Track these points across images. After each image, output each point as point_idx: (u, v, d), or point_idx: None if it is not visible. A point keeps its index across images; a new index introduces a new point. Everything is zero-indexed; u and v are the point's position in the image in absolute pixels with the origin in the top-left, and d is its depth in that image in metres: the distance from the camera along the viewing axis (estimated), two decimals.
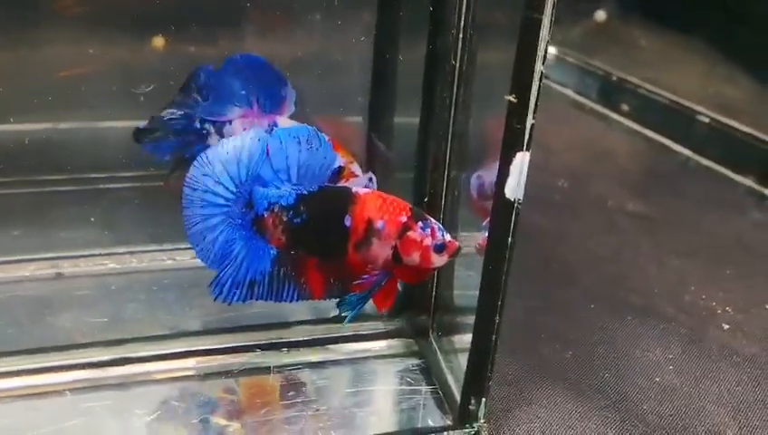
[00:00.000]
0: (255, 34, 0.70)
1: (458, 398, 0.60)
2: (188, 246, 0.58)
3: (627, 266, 0.87)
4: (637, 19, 1.43)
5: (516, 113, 0.49)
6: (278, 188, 0.57)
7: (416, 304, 0.69)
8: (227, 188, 0.56)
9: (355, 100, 0.71)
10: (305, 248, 0.58)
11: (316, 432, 0.58)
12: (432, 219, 0.57)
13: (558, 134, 1.23)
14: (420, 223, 0.57)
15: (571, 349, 0.72)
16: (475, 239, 0.61)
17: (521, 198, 0.51)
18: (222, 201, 0.56)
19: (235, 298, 0.58)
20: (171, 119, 0.63)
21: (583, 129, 1.31)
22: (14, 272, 0.71)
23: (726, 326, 0.78)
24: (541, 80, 0.48)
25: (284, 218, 0.57)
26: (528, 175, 0.51)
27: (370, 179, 0.63)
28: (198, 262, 0.58)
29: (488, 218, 0.55)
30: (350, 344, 0.67)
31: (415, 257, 0.57)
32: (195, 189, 0.56)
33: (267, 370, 0.64)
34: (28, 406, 0.59)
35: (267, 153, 0.56)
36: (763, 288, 0.85)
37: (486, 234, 0.54)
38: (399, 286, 0.71)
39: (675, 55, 1.35)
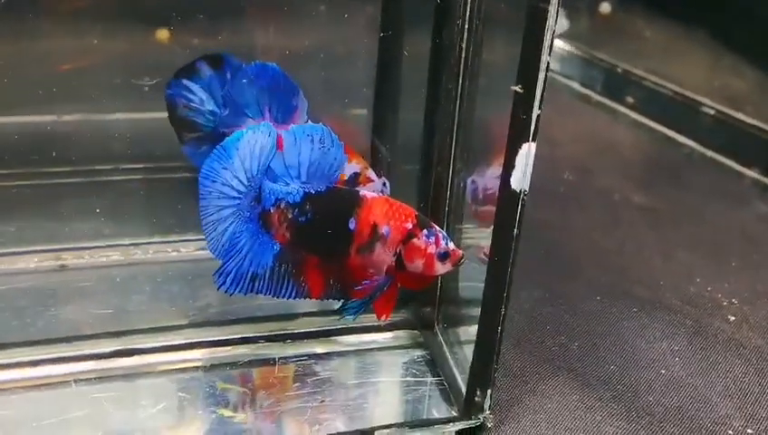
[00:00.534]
0: (260, 26, 0.70)
1: (464, 389, 0.60)
2: (192, 237, 0.59)
3: (632, 258, 0.87)
4: (641, 10, 1.42)
5: (522, 104, 0.49)
6: (287, 184, 0.57)
7: (421, 296, 0.68)
8: (241, 181, 0.56)
9: (360, 92, 0.71)
10: (308, 247, 0.58)
11: (321, 423, 0.58)
12: (437, 227, 0.58)
13: (563, 126, 1.23)
14: (425, 230, 0.57)
15: (576, 341, 0.72)
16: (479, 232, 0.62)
17: (526, 190, 0.51)
18: (235, 193, 0.56)
19: (237, 290, 0.58)
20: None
21: (588, 121, 1.31)
22: (18, 264, 0.71)
23: (732, 318, 0.78)
24: (547, 70, 0.48)
25: (290, 215, 0.57)
26: (533, 167, 0.51)
27: (384, 184, 0.63)
28: (202, 254, 0.58)
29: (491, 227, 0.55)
30: (355, 336, 0.67)
31: (418, 264, 0.57)
32: (214, 181, 0.56)
33: (272, 361, 0.64)
34: (33, 397, 0.59)
35: (279, 147, 0.56)
36: None
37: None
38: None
39: (680, 47, 1.34)
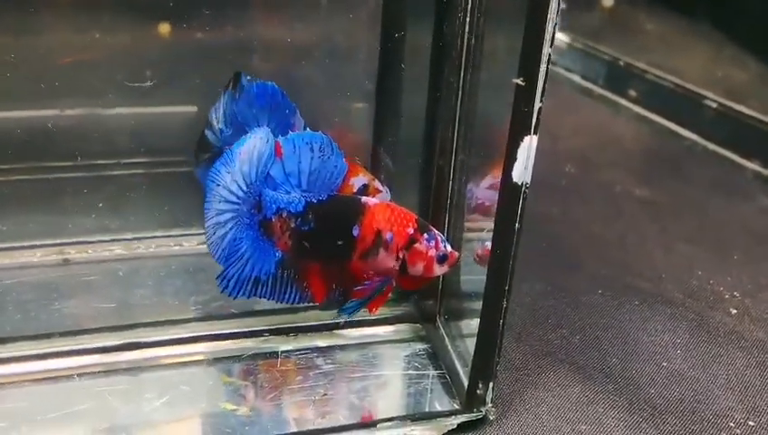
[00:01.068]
0: (261, 20, 0.70)
1: (465, 382, 0.60)
2: (195, 231, 0.59)
3: (634, 252, 0.87)
4: (644, 3, 1.42)
5: (524, 96, 0.49)
6: (288, 192, 0.57)
7: (423, 290, 0.69)
8: (240, 187, 0.57)
9: (362, 85, 0.71)
10: (311, 254, 0.58)
11: (324, 416, 0.58)
12: (435, 230, 0.58)
13: (565, 120, 1.23)
14: (425, 234, 0.58)
15: (577, 334, 0.72)
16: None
17: (528, 182, 0.51)
18: (234, 198, 0.57)
19: (239, 294, 0.59)
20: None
21: (590, 114, 1.31)
22: (22, 258, 0.72)
23: (734, 311, 0.78)
24: (548, 62, 0.48)
25: (292, 225, 0.57)
26: (534, 160, 0.51)
27: (386, 191, 0.64)
28: (205, 248, 0.58)
29: (486, 229, 0.56)
30: (357, 329, 0.67)
31: (419, 268, 0.58)
32: (218, 184, 0.57)
33: (275, 355, 0.64)
34: (37, 391, 0.59)
35: (279, 154, 0.56)
36: None
37: (487, 244, 0.55)
38: None
39: (682, 40, 1.34)
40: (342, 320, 0.64)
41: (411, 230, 0.58)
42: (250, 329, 0.66)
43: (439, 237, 0.58)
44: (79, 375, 0.61)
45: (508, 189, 0.51)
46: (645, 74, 1.31)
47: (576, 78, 1.43)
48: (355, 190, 0.63)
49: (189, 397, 0.60)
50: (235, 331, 0.65)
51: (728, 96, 1.19)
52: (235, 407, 0.59)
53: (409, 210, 0.59)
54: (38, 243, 0.72)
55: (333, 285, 0.60)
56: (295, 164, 0.57)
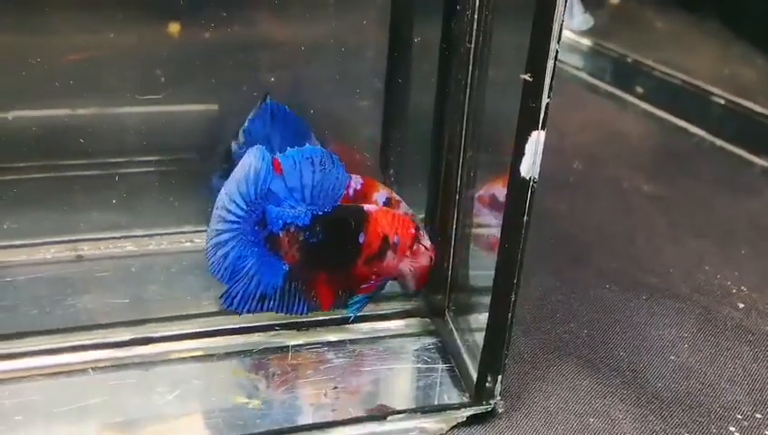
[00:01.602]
0: (270, 18, 0.71)
1: (475, 376, 0.60)
2: (206, 228, 0.60)
3: (641, 246, 0.88)
4: (651, 0, 1.42)
5: (532, 92, 0.49)
6: (293, 207, 0.58)
7: (432, 284, 0.69)
8: (239, 206, 0.58)
9: (372, 83, 0.71)
10: (318, 264, 0.59)
11: (334, 410, 0.59)
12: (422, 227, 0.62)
13: (572, 117, 1.23)
14: (423, 232, 0.62)
15: (586, 328, 0.73)
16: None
17: (536, 177, 0.52)
18: (233, 218, 0.58)
19: (245, 309, 0.60)
20: None
21: (598, 111, 1.31)
22: (36, 255, 0.72)
23: (741, 305, 0.78)
24: (556, 58, 0.48)
25: (300, 238, 0.58)
26: (542, 157, 0.51)
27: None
28: None
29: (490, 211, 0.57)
30: (367, 324, 0.68)
31: (426, 264, 0.62)
32: (217, 207, 0.59)
33: (286, 349, 0.65)
34: (52, 385, 0.60)
35: (278, 170, 0.57)
36: None
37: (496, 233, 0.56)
38: None
39: (689, 36, 1.34)
40: (352, 317, 0.65)
41: (413, 230, 0.61)
42: (261, 323, 0.66)
43: (428, 234, 0.61)
44: (92, 369, 0.61)
45: (516, 184, 0.52)
46: (652, 71, 1.31)
47: (583, 75, 1.43)
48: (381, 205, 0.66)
49: (201, 391, 0.60)
50: (246, 325, 0.66)
51: (736, 93, 1.19)
52: (246, 400, 0.59)
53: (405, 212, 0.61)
54: (52, 240, 0.73)
55: (339, 292, 0.62)
56: (297, 179, 0.58)
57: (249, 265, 0.59)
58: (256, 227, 0.59)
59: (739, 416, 0.63)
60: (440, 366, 0.64)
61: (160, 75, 0.68)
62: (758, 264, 0.85)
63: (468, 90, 0.61)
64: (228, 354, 0.64)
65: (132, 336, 0.64)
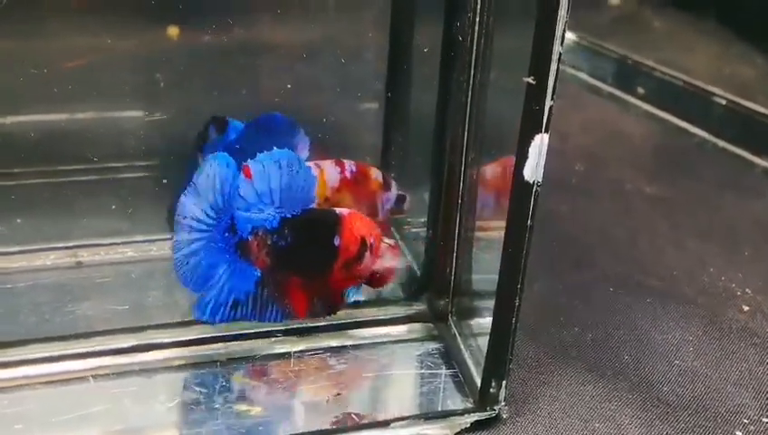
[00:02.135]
0: (270, 19, 0.70)
1: (478, 381, 0.60)
2: None
3: (645, 249, 0.87)
4: (651, 1, 1.42)
5: (535, 95, 0.49)
6: (261, 211, 0.57)
7: (435, 289, 0.69)
8: (208, 215, 0.57)
9: (372, 84, 0.71)
10: (291, 269, 0.59)
11: (337, 416, 0.58)
12: None
13: (574, 118, 1.23)
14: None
15: (590, 332, 0.72)
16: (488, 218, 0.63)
17: (540, 181, 0.51)
18: (204, 226, 0.58)
19: (218, 319, 0.60)
20: None
21: (599, 112, 1.31)
22: (35, 261, 0.72)
23: (746, 308, 0.77)
24: (559, 61, 0.48)
25: (269, 242, 0.58)
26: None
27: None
28: None
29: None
30: (369, 329, 0.67)
31: (394, 262, 0.63)
32: (184, 217, 0.58)
33: (288, 355, 0.64)
34: (52, 393, 0.60)
35: (248, 176, 0.57)
36: None
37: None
38: (417, 271, 0.72)
39: (690, 37, 1.34)
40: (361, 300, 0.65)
41: (378, 230, 0.61)
42: (262, 330, 0.66)
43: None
44: (93, 377, 0.61)
45: (520, 187, 0.51)
46: (653, 72, 1.31)
47: (584, 76, 1.43)
48: (394, 204, 0.68)
49: (202, 398, 0.60)
50: (248, 332, 0.65)
51: (737, 93, 1.18)
52: (248, 407, 0.59)
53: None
54: (51, 246, 0.72)
55: (314, 299, 0.61)
56: (266, 183, 0.57)
57: (220, 272, 0.59)
58: (226, 234, 0.58)
59: (745, 420, 0.63)
60: (443, 371, 0.64)
61: (160, 79, 0.67)
62: (762, 266, 0.85)
63: (470, 92, 0.61)
64: (230, 361, 0.64)
65: (133, 343, 0.63)
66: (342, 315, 0.66)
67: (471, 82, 0.60)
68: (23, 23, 0.65)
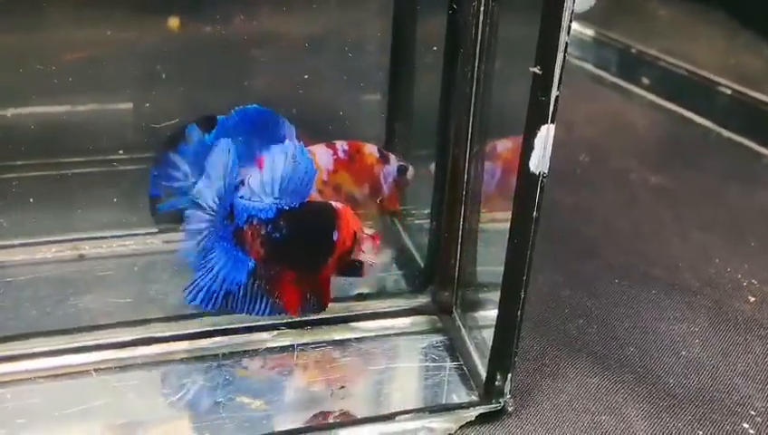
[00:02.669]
0: (271, 11, 0.70)
1: (483, 374, 0.60)
2: None
3: (650, 240, 0.87)
4: None
5: (541, 85, 0.48)
6: (261, 200, 0.57)
7: (439, 281, 0.68)
8: (214, 201, 0.57)
9: (375, 75, 0.70)
10: (285, 262, 0.58)
11: (341, 410, 0.58)
12: None
13: (578, 109, 1.22)
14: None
15: (595, 324, 0.72)
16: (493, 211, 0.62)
17: (546, 172, 0.51)
18: (212, 213, 0.58)
19: (209, 306, 0.59)
20: None
21: (603, 102, 1.30)
22: (36, 254, 0.72)
23: (752, 299, 0.77)
24: (565, 51, 0.47)
25: (263, 232, 0.57)
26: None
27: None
28: None
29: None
30: (373, 322, 0.67)
31: (373, 253, 0.60)
32: (200, 205, 0.58)
33: (291, 348, 0.64)
34: (55, 386, 0.59)
35: (261, 166, 0.56)
36: None
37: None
38: (421, 263, 0.72)
39: (695, 26, 1.33)
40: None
41: (359, 220, 0.60)
42: (265, 322, 0.65)
43: None
44: (95, 371, 0.60)
45: (525, 179, 0.51)
46: (657, 61, 1.30)
47: (588, 66, 1.42)
48: (397, 175, 0.67)
49: (206, 391, 0.59)
50: (251, 324, 0.65)
51: (743, 83, 1.17)
52: (251, 400, 0.59)
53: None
54: (53, 239, 0.72)
55: (307, 295, 0.60)
56: (270, 173, 0.57)
57: (215, 258, 0.58)
58: (225, 221, 0.58)
59: (752, 412, 0.62)
60: (448, 364, 0.63)
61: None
62: None
63: (475, 82, 0.60)
64: (233, 354, 0.63)
65: (135, 337, 0.63)
66: (346, 308, 0.66)
67: (475, 72, 0.60)
68: (23, 16, 0.65)
